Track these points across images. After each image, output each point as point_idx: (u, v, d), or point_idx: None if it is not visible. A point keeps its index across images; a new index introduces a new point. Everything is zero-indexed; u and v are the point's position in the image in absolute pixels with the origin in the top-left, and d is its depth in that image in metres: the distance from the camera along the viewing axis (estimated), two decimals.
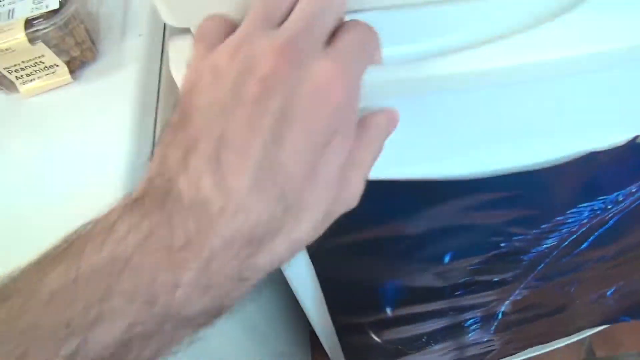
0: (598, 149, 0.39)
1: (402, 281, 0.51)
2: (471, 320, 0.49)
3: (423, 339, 0.54)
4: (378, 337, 0.60)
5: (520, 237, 0.46)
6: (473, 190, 0.41)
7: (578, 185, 0.43)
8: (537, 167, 0.40)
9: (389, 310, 0.55)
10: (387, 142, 0.27)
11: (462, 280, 0.48)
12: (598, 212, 0.45)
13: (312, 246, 0.34)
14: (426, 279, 0.49)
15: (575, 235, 0.45)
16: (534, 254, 0.46)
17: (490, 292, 0.48)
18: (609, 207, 0.45)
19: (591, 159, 0.40)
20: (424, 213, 0.44)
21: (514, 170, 0.40)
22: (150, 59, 0.40)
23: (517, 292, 0.47)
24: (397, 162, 0.35)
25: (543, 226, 0.45)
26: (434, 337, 0.53)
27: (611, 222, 0.46)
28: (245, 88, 0.21)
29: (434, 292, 0.48)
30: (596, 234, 0.46)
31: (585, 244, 0.46)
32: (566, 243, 0.46)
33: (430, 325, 0.51)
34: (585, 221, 0.45)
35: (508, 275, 0.48)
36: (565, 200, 0.44)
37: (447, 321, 0.50)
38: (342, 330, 0.61)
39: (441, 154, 0.39)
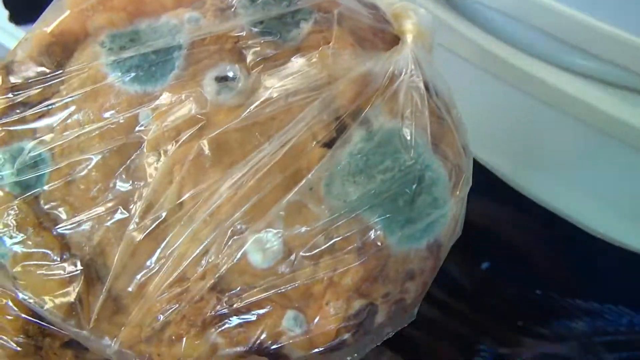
0: None
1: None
2: (484, 347, 0.43)
3: (438, 330, 0.49)
4: None
5: (555, 295, 0.42)
6: (522, 207, 0.41)
7: (622, 282, 0.42)
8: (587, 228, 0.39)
9: None
10: None
11: (489, 299, 0.44)
12: (637, 329, 0.41)
13: None
14: (461, 273, 0.45)
15: (608, 338, 0.41)
16: (563, 325, 0.42)
17: (509, 334, 0.41)
18: None
19: None
20: (475, 197, 0.37)
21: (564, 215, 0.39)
22: None
23: (535, 354, 0.41)
24: None
25: (577, 300, 0.42)
26: (447, 336, 0.48)
27: None
28: None
29: (463, 290, 0.45)
30: (629, 353, 0.41)
31: (615, 354, 0.40)
32: (597, 340, 0.41)
33: (448, 321, 0.45)
34: (622, 329, 0.40)
35: (532, 328, 0.42)
36: (607, 289, 0.42)
37: (464, 329, 0.43)
38: None
39: None
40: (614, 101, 0.33)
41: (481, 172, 0.41)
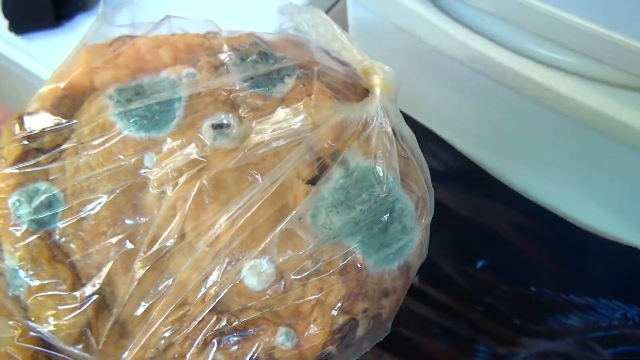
0: None
1: (438, 258, 0.47)
2: (482, 348, 0.44)
3: (435, 330, 0.49)
4: None
5: (549, 292, 0.42)
6: (516, 204, 0.42)
7: (615, 276, 0.42)
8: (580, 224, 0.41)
9: (416, 276, 0.49)
10: None
11: (486, 298, 0.44)
12: (630, 323, 0.41)
13: None
14: (457, 272, 0.46)
15: (602, 333, 0.41)
16: (557, 321, 0.42)
17: (506, 332, 0.43)
18: None
19: (634, 255, 0.39)
20: (470, 195, 0.44)
21: (557, 212, 0.42)
22: None
23: (532, 352, 0.42)
24: None
25: (571, 295, 0.42)
26: (445, 337, 0.48)
27: None
28: None
29: (459, 289, 0.45)
30: (624, 348, 0.40)
31: (610, 350, 0.40)
32: (592, 335, 0.41)
33: (445, 321, 0.46)
34: (616, 323, 0.40)
35: (528, 326, 0.43)
36: (600, 283, 0.42)
37: (461, 329, 0.44)
38: None
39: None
40: (604, 99, 0.34)
41: (477, 172, 0.44)
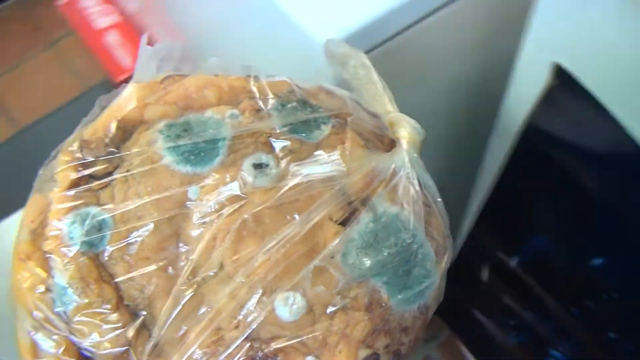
0: None
1: (549, 246, 0.41)
2: (557, 355, 0.40)
3: (511, 322, 0.43)
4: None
5: None
6: None
7: None
8: None
9: (515, 258, 0.45)
10: None
11: (587, 301, 0.38)
12: None
13: None
14: (567, 265, 0.39)
15: None
16: None
17: (595, 345, 0.39)
18: None
19: None
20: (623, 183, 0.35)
21: None
22: None
23: None
24: None
25: None
26: (518, 332, 0.42)
27: None
28: None
29: (560, 284, 0.39)
30: None
31: None
32: None
33: (527, 315, 0.41)
34: None
35: (625, 344, 0.37)
36: None
37: (542, 328, 0.40)
38: None
39: None
40: None
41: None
